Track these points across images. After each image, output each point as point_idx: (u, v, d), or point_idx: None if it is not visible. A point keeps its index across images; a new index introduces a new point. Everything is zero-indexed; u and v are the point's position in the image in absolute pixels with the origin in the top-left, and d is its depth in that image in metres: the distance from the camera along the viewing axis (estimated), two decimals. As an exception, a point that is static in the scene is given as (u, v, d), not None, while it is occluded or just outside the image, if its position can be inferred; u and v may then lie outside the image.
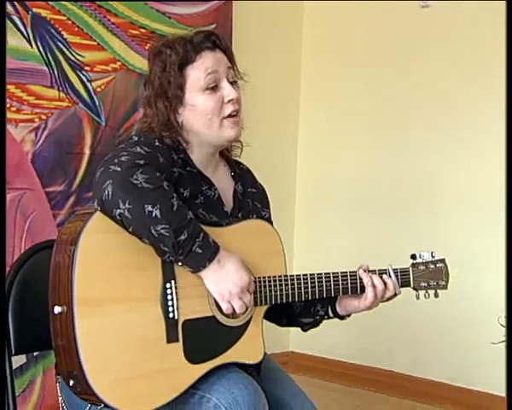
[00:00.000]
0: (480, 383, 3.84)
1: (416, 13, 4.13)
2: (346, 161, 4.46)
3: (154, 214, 1.68)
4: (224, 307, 1.81)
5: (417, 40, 4.16)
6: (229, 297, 1.79)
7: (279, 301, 1.93)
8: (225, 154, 2.10)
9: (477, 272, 3.80)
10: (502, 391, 3.56)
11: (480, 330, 3.77)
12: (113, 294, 1.73)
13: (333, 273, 1.99)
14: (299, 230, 4.61)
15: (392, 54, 4.27)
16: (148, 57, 2.03)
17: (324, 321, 2.13)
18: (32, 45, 3.18)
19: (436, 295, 2.10)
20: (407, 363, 4.11)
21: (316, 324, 2.13)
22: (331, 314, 2.08)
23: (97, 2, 3.39)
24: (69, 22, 3.31)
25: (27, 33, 3.16)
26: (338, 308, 2.07)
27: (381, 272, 2.04)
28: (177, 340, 1.78)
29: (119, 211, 1.69)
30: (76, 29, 3.33)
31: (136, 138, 1.86)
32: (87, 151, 3.39)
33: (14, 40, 3.10)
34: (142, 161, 1.73)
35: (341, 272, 2.00)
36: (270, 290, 1.91)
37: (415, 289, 2.09)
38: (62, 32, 3.28)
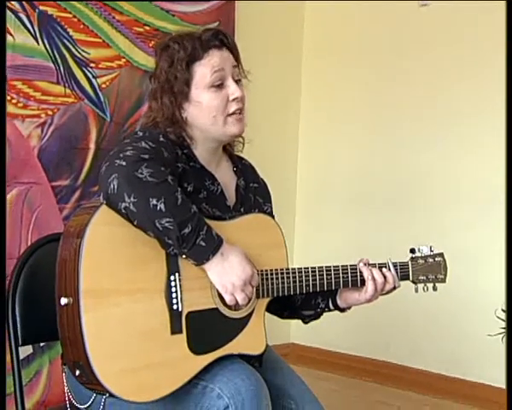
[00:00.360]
0: (476, 374, 3.86)
1: (415, 13, 4.15)
2: (345, 158, 4.49)
3: (158, 208, 1.70)
4: (227, 299, 1.82)
5: (416, 40, 4.17)
6: (232, 289, 1.81)
7: (281, 294, 1.95)
8: (228, 149, 2.12)
9: (473, 265, 3.83)
10: (498, 382, 3.59)
11: (477, 323, 3.79)
12: (119, 286, 1.74)
13: (334, 267, 2.01)
14: (300, 224, 4.63)
15: (392, 53, 4.28)
16: (154, 51, 2.04)
17: (325, 314, 2.15)
18: (38, 42, 3.20)
19: (434, 289, 2.13)
20: (404, 355, 4.14)
21: (317, 316, 2.15)
22: (332, 307, 2.10)
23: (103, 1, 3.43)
24: (75, 20, 3.33)
25: (34, 31, 3.18)
26: (338, 301, 2.09)
27: (381, 266, 2.05)
28: (181, 331, 1.79)
29: (124, 204, 1.70)
30: (81, 26, 3.35)
31: (140, 133, 1.87)
32: (92, 146, 3.42)
33: (21, 37, 3.12)
34: (146, 156, 1.74)
35: (342, 266, 2.02)
36: (272, 283, 1.93)
37: (414, 282, 2.11)
38: (68, 30, 3.30)
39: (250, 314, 1.91)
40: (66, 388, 1.94)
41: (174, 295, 1.79)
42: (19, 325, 1.97)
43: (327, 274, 2.00)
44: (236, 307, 1.88)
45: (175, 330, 1.79)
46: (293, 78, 4.64)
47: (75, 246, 1.72)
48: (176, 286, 1.80)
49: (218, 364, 1.83)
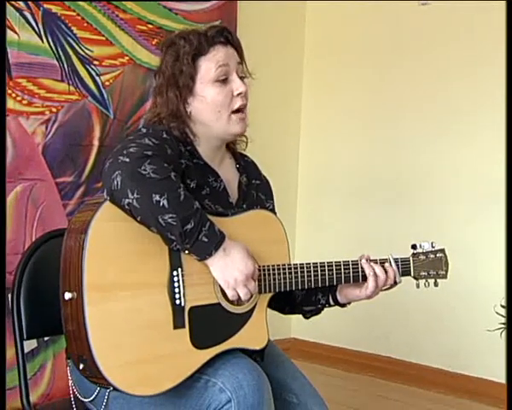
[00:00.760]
0: (475, 369, 3.87)
1: (415, 12, 4.16)
2: (346, 154, 4.51)
3: (161, 204, 1.70)
4: (230, 294, 1.83)
5: (416, 38, 4.20)
6: (234, 285, 1.82)
7: (283, 289, 1.95)
8: (231, 147, 2.13)
9: (473, 260, 3.84)
10: (497, 377, 3.60)
11: (476, 318, 3.80)
12: (122, 281, 1.75)
13: (335, 262, 2.01)
14: (301, 220, 4.65)
15: (392, 51, 4.30)
16: (160, 48, 2.05)
17: (325, 309, 2.15)
18: (42, 40, 3.22)
19: (436, 284, 2.12)
20: (404, 349, 4.15)
21: (317, 312, 2.16)
22: (332, 302, 2.11)
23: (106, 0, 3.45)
24: (79, 18, 3.35)
25: (38, 29, 3.20)
26: (338, 297, 2.09)
27: (382, 262, 2.06)
28: (184, 326, 1.80)
29: (127, 201, 1.71)
30: (85, 24, 3.37)
31: (144, 130, 1.88)
32: (96, 143, 3.43)
33: (25, 35, 3.14)
34: (150, 152, 1.75)
35: (343, 261, 2.02)
36: (274, 279, 1.93)
37: (415, 278, 2.11)
38: (72, 28, 3.32)
39: (252, 309, 1.92)
40: (70, 381, 1.95)
41: (177, 290, 1.80)
42: (23, 320, 1.98)
43: (328, 270, 2.00)
44: (239, 302, 1.88)
45: (178, 324, 1.80)
46: (294, 76, 4.66)
47: (79, 241, 1.73)
48: (178, 281, 1.80)
49: (221, 358, 1.84)
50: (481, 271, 3.86)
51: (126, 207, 1.73)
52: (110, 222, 1.76)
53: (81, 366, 1.76)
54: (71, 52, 3.33)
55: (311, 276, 1.99)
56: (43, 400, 3.17)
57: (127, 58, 3.55)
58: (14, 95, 3.13)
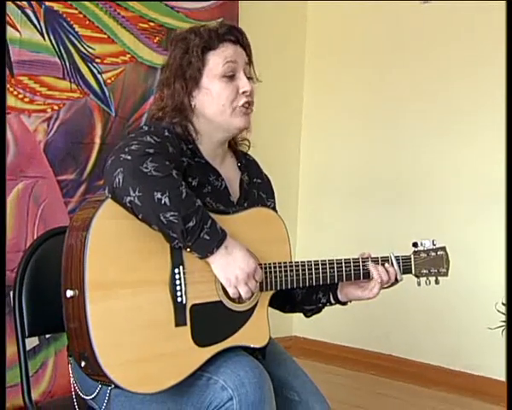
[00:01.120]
0: (476, 367, 3.88)
1: (416, 11, 4.17)
2: (346, 153, 4.52)
3: (163, 202, 1.71)
4: (231, 292, 1.83)
5: (417, 38, 4.21)
6: (235, 283, 1.82)
7: (284, 287, 1.96)
8: (233, 146, 2.13)
9: (473, 259, 3.84)
10: (497, 375, 3.61)
11: (477, 316, 3.81)
12: (124, 278, 1.75)
13: (336, 260, 2.02)
14: (302, 219, 4.66)
15: (393, 51, 4.32)
16: (170, 42, 2.06)
17: (326, 307, 2.15)
18: (44, 38, 3.22)
19: (437, 282, 2.13)
20: (405, 347, 4.16)
21: (318, 310, 2.16)
22: (333, 301, 2.12)
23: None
24: (81, 16, 3.35)
25: (40, 26, 3.20)
26: (339, 295, 2.10)
27: (384, 260, 2.06)
28: (185, 324, 1.80)
29: (129, 198, 1.71)
30: (87, 22, 3.38)
31: (146, 128, 1.88)
32: (97, 141, 3.44)
33: (27, 33, 3.14)
34: (151, 150, 1.75)
35: (344, 259, 2.03)
36: (276, 276, 1.94)
37: (416, 276, 2.12)
38: (74, 26, 3.32)
39: (254, 307, 1.92)
40: (72, 379, 1.95)
41: (178, 287, 1.80)
42: (25, 317, 1.98)
43: (330, 268, 2.01)
44: (240, 300, 1.88)
45: (179, 322, 1.80)
46: (295, 76, 4.67)
47: (81, 239, 1.73)
48: (180, 279, 1.81)
49: (222, 356, 1.84)
50: (482, 270, 3.86)
51: (128, 204, 1.73)
52: (112, 220, 1.76)
53: (83, 364, 1.76)
54: (73, 50, 3.33)
55: (312, 274, 1.99)
56: (45, 397, 3.17)
57: (129, 56, 3.56)
58: (15, 92, 3.13)
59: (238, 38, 2.02)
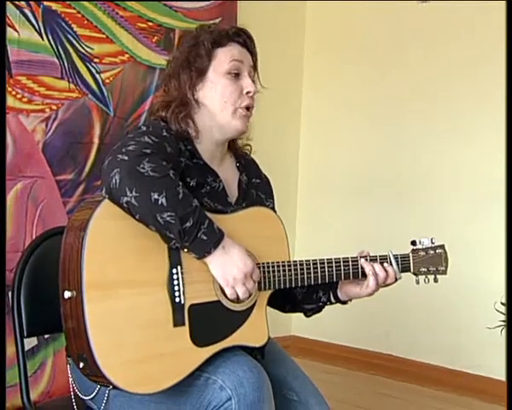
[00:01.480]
0: (476, 366, 3.87)
1: (415, 10, 4.17)
2: (346, 151, 4.53)
3: (160, 202, 1.70)
4: (228, 292, 1.83)
5: (416, 38, 4.22)
6: (233, 283, 1.81)
7: (282, 286, 1.95)
8: (232, 147, 2.13)
9: (473, 258, 3.84)
10: (497, 374, 3.61)
11: (477, 315, 3.81)
12: (121, 279, 1.74)
13: (335, 259, 2.01)
14: (301, 219, 4.67)
15: (392, 49, 4.32)
16: (179, 40, 2.09)
17: (326, 306, 2.15)
18: (43, 38, 3.22)
19: (436, 281, 2.13)
20: (404, 347, 4.16)
21: (318, 309, 2.16)
22: (333, 300, 2.11)
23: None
24: (79, 16, 3.35)
25: (38, 26, 3.20)
26: (339, 294, 2.10)
27: (382, 258, 2.06)
28: (184, 324, 1.80)
29: (126, 199, 1.70)
30: (85, 22, 3.38)
31: (144, 128, 1.88)
32: (96, 141, 3.44)
33: (25, 33, 3.14)
34: (148, 151, 1.75)
35: (343, 258, 2.02)
36: (274, 276, 1.93)
37: (415, 274, 2.11)
38: (72, 25, 3.33)
39: (252, 307, 1.92)
40: (70, 379, 1.95)
41: (176, 288, 1.80)
42: (24, 318, 1.98)
43: (328, 266, 2.00)
44: (238, 300, 1.88)
45: (178, 322, 1.80)
46: (294, 74, 4.67)
47: (78, 240, 1.73)
48: (178, 279, 1.80)
49: (221, 356, 1.84)
50: (481, 269, 3.86)
51: (125, 205, 1.73)
52: (109, 220, 1.76)
53: (81, 365, 1.76)
54: (71, 50, 3.33)
55: (310, 273, 1.99)
56: (44, 397, 3.17)
57: (127, 56, 3.56)
58: (14, 92, 3.13)
59: (246, 42, 2.05)
